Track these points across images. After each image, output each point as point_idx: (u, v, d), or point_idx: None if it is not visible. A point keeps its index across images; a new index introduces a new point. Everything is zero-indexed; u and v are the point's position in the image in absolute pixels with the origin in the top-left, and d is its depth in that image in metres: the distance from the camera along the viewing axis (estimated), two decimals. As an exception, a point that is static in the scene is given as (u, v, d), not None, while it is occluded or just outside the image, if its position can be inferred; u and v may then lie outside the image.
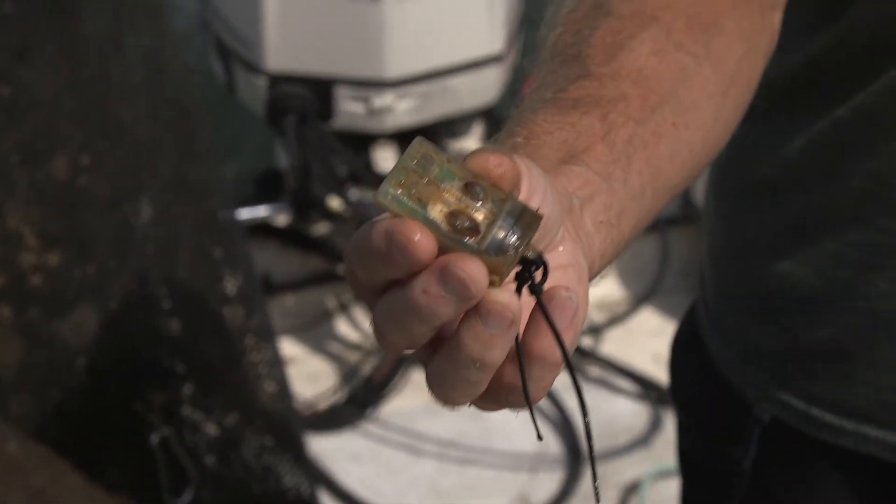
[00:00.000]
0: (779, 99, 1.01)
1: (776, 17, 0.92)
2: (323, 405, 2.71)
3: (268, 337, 2.11)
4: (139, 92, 1.89)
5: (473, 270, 0.55)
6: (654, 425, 2.70)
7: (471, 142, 3.00)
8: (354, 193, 2.82)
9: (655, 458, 2.59)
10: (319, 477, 2.46)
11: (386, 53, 2.71)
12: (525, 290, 0.60)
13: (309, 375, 2.77)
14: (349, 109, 2.79)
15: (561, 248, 0.66)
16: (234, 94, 2.92)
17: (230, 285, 2.06)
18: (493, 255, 0.56)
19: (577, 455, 2.60)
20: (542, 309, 0.59)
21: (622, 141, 0.75)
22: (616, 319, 3.05)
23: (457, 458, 2.56)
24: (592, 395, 2.80)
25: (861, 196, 0.98)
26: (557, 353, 0.59)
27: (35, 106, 1.73)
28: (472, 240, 0.56)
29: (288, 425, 2.15)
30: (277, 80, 2.73)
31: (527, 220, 0.58)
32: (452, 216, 0.56)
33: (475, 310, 0.56)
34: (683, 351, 1.25)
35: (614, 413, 2.74)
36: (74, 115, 1.78)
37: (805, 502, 1.12)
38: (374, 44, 2.70)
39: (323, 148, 2.76)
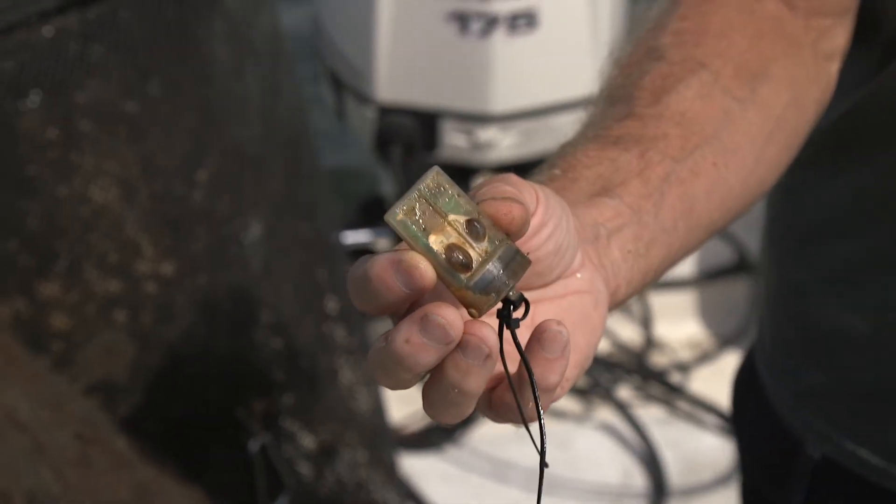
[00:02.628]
0: (825, 147, 1.03)
1: (832, 68, 0.96)
2: (414, 426, 2.77)
3: (365, 356, 2.17)
4: (255, 114, 1.97)
5: (451, 316, 0.61)
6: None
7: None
8: (455, 223, 2.88)
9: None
10: (409, 494, 2.51)
11: (492, 89, 2.77)
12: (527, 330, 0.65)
13: (402, 397, 2.82)
14: (454, 142, 2.86)
15: (579, 275, 0.73)
16: (343, 120, 3.01)
17: (332, 304, 2.13)
18: (477, 293, 0.62)
19: (661, 489, 2.63)
20: (515, 342, 0.64)
21: (657, 177, 0.80)
22: (705, 358, 3.08)
23: (547, 485, 2.60)
24: (680, 429, 2.82)
25: None
26: (548, 381, 0.65)
27: (158, 122, 1.82)
28: (463, 275, 0.62)
29: (381, 442, 2.21)
30: (386, 111, 2.81)
31: (515, 265, 0.63)
32: (450, 249, 0.62)
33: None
34: (743, 391, 1.29)
35: (700, 449, 2.77)
36: (194, 134, 1.86)
37: None
38: (481, 79, 2.76)
39: (426, 178, 2.82)
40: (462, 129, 2.82)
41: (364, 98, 2.85)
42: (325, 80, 3.00)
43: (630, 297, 0.80)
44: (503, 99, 2.80)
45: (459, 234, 0.62)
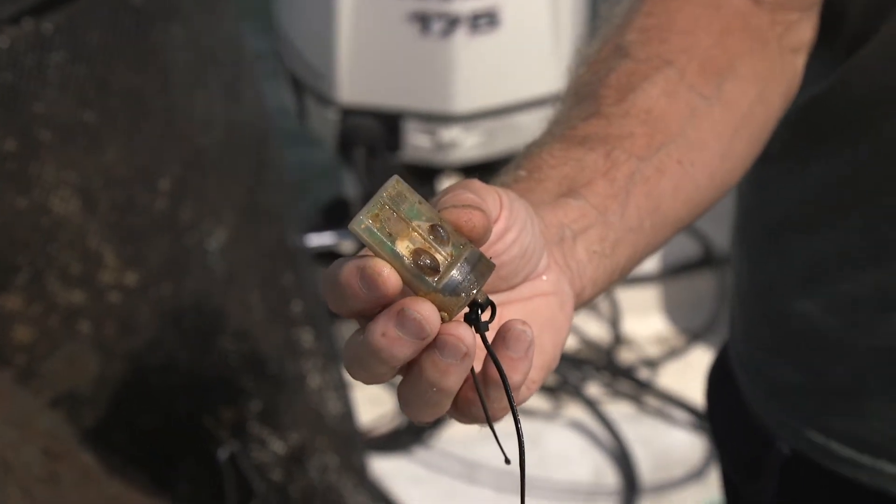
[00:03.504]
0: (791, 140, 1.03)
1: (798, 61, 0.96)
2: (383, 428, 2.76)
3: (333, 359, 2.17)
4: (217, 121, 1.96)
5: (427, 312, 0.61)
6: (710, 458, 2.72)
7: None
8: (420, 224, 2.88)
9: (711, 489, 2.61)
10: (381, 497, 2.51)
11: (454, 89, 2.77)
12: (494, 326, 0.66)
13: (371, 399, 2.83)
14: (417, 143, 2.85)
15: (545, 278, 0.73)
16: (304, 123, 2.99)
17: (298, 309, 2.12)
18: (447, 296, 0.63)
19: (633, 486, 2.63)
20: (485, 345, 0.65)
21: (623, 176, 0.80)
22: (673, 353, 3.08)
23: (513, 485, 2.60)
24: (649, 426, 2.83)
25: (874, 238, 1.00)
26: (512, 380, 0.65)
27: (118, 132, 1.80)
28: (431, 279, 0.62)
29: (352, 445, 2.20)
30: (348, 113, 2.81)
31: (482, 267, 0.64)
32: (417, 253, 0.62)
33: (434, 341, 0.62)
34: (716, 386, 1.29)
35: (670, 445, 2.77)
36: (155, 142, 1.85)
37: None
38: (444, 79, 2.76)
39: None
40: (425, 129, 2.81)
41: (326, 100, 2.84)
42: (285, 83, 2.99)
43: (596, 297, 0.80)
44: (466, 98, 2.80)
45: (424, 239, 0.62)
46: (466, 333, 0.62)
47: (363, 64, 2.77)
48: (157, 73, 1.83)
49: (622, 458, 2.70)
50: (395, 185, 0.63)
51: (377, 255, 0.62)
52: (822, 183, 1.03)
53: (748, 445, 1.19)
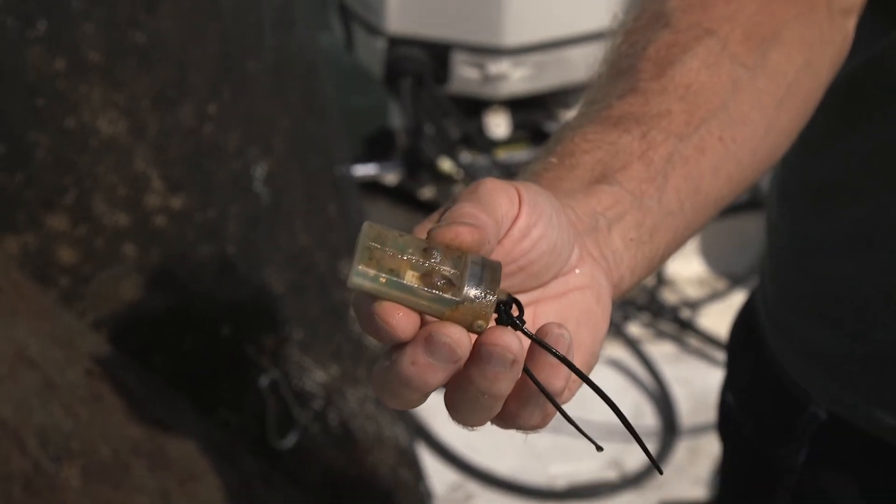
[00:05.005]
0: (841, 103, 0.99)
1: (849, 24, 0.91)
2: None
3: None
4: (266, 47, 1.94)
5: (456, 334, 0.59)
6: (750, 401, 2.70)
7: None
8: (465, 156, 2.86)
9: (749, 433, 2.60)
10: (418, 430, 2.51)
11: (504, 21, 2.74)
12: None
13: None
14: (465, 75, 2.83)
15: (578, 271, 0.69)
16: (352, 53, 2.97)
17: (342, 239, 2.11)
18: (475, 303, 0.60)
19: (672, 426, 2.62)
20: (532, 338, 0.62)
21: (660, 158, 0.76)
22: (716, 295, 3.06)
23: (552, 423, 2.59)
24: (690, 366, 2.82)
25: None
26: (554, 386, 0.63)
27: (167, 54, 1.79)
28: (450, 294, 0.60)
29: (391, 377, 2.20)
30: (396, 43, 2.78)
31: (490, 268, 0.61)
32: (426, 277, 0.60)
33: (479, 354, 0.60)
34: (741, 347, 1.24)
35: (710, 386, 2.75)
36: (205, 66, 1.84)
37: (857, 501, 1.11)
38: (493, 11, 2.73)
39: (437, 111, 2.80)
40: (473, 61, 2.79)
41: (374, 29, 2.81)
42: (334, 12, 2.97)
43: (636, 286, 0.76)
44: (515, 31, 2.77)
45: (424, 264, 0.60)
46: (511, 339, 0.60)
47: (413, -7, 2.74)
48: (209, -4, 1.82)
49: (662, 399, 2.69)
50: (369, 229, 0.61)
51: (388, 298, 0.60)
52: (871, 150, 0.99)
53: (777, 409, 1.15)
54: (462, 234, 0.61)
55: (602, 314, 0.70)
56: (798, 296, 1.11)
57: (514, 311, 0.63)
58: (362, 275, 0.60)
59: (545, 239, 0.65)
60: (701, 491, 2.47)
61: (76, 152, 1.74)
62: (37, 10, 1.65)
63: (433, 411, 2.63)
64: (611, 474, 2.50)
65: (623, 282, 0.74)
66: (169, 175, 1.83)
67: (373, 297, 0.60)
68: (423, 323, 0.61)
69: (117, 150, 1.78)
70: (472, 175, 2.75)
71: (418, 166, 2.85)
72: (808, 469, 1.13)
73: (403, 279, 0.60)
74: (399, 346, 0.61)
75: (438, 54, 2.77)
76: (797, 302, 1.12)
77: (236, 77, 1.89)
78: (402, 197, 3.00)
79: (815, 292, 1.09)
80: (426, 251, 0.61)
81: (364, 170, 2.95)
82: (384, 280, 0.59)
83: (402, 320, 0.59)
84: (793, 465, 1.13)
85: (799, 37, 0.86)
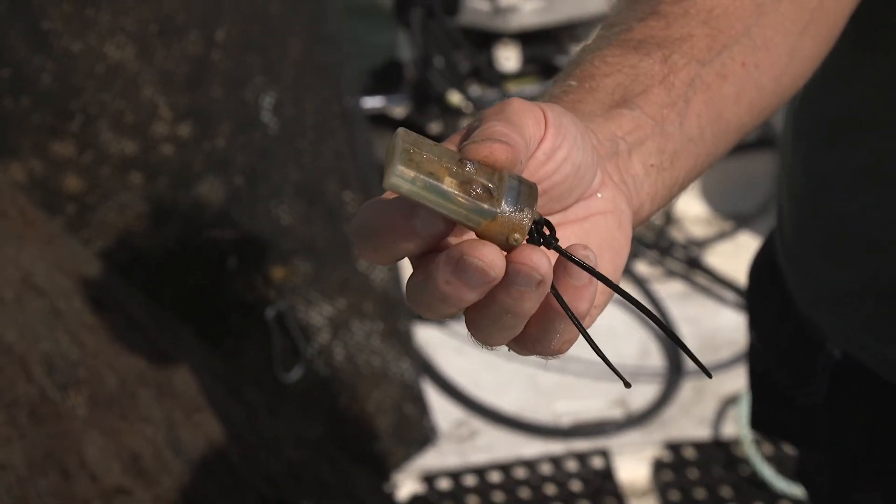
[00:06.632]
0: (857, 35, 0.95)
1: None
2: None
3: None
4: (276, -28, 1.91)
5: (489, 256, 0.56)
6: (757, 341, 2.69)
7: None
8: (475, 90, 2.83)
9: (756, 373, 2.59)
10: (424, 365, 2.50)
11: (516, -49, 2.71)
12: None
13: (418, 268, 2.81)
14: (475, 6, 2.79)
15: (600, 195, 0.67)
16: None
17: (351, 170, 2.08)
18: (514, 214, 0.58)
19: (678, 366, 2.61)
20: (566, 255, 0.60)
21: (682, 83, 0.74)
22: (724, 234, 3.05)
23: (557, 361, 2.58)
24: (698, 305, 2.80)
25: None
26: (578, 308, 0.60)
27: (176, -21, 1.76)
28: (488, 204, 0.57)
29: (397, 313, 2.19)
30: (407, -28, 2.75)
31: (525, 186, 0.59)
32: (464, 185, 0.57)
33: (507, 272, 0.58)
34: (763, 282, 1.23)
35: (718, 326, 2.74)
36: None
37: (873, 440, 1.11)
38: (506, -59, 2.70)
39: (447, 43, 2.77)
40: (484, -7, 2.76)
41: (384, -41, 2.78)
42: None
43: (655, 213, 0.74)
44: (527, -38, 2.73)
45: (462, 172, 0.58)
46: (541, 259, 0.58)
47: (424, -79, 2.70)
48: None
49: (669, 341, 2.68)
50: (405, 135, 0.58)
51: (425, 202, 0.57)
52: (886, 80, 0.96)
53: (797, 347, 1.14)
54: (497, 152, 0.59)
55: (623, 240, 0.68)
56: (814, 235, 1.10)
57: (545, 232, 0.61)
58: (401, 176, 0.56)
59: (569, 161, 0.64)
60: (705, 430, 2.46)
61: (82, 78, 1.72)
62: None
63: (438, 348, 2.62)
64: (616, 413, 2.49)
65: (643, 209, 0.72)
66: (176, 103, 1.81)
67: (407, 202, 0.57)
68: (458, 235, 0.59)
69: (124, 76, 1.75)
70: (481, 109, 2.72)
71: (427, 99, 2.82)
72: (827, 408, 1.12)
73: (443, 184, 0.57)
74: (430, 258, 0.59)
75: (449, -16, 2.74)
76: (811, 239, 1.10)
77: (245, 4, 1.86)
78: (411, 129, 2.97)
79: (829, 230, 1.07)
80: (461, 161, 0.58)
81: (372, 102, 2.92)
82: (422, 183, 0.57)
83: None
84: (812, 404, 1.13)
85: None
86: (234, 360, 1.93)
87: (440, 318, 0.62)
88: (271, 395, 1.97)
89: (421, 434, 2.29)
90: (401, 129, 0.58)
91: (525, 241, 0.59)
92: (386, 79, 2.98)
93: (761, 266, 1.23)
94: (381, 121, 2.97)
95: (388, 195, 0.60)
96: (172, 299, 1.86)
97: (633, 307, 0.64)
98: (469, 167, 0.58)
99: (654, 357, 2.65)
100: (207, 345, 1.87)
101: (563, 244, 0.61)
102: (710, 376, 0.68)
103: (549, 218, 0.62)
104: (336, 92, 2.08)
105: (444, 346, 2.63)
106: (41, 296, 1.48)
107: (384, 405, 2.20)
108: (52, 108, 1.72)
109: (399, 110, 2.95)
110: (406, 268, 2.45)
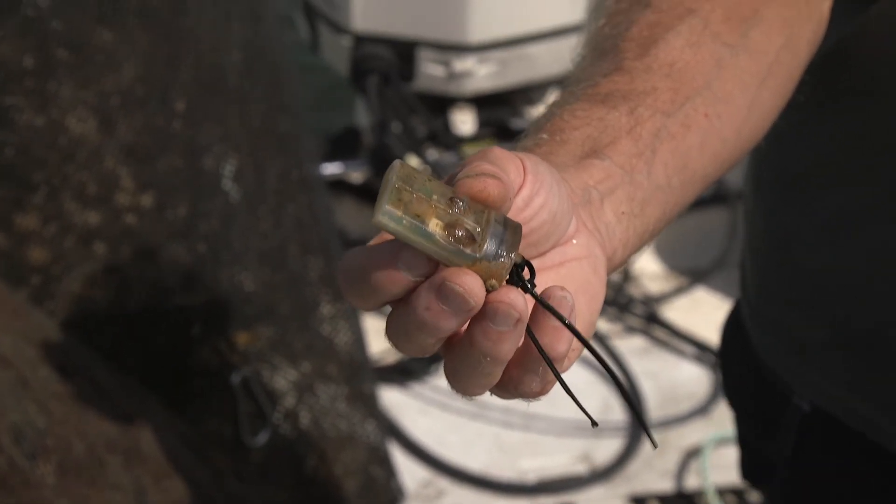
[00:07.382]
0: (814, 90, 0.97)
1: (824, 6, 0.91)
2: (393, 358, 2.76)
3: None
4: (234, 44, 1.94)
5: (469, 283, 0.59)
6: (716, 393, 2.73)
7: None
8: (432, 153, 2.87)
9: (717, 424, 2.62)
10: (389, 427, 2.51)
11: (469, 18, 2.75)
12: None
13: (379, 330, 2.82)
14: (430, 72, 2.84)
15: (575, 241, 0.70)
16: (317, 52, 2.98)
17: (312, 236, 2.11)
18: (492, 262, 0.60)
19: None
20: (542, 302, 0.62)
21: (648, 134, 0.77)
22: (681, 290, 3.09)
23: (521, 419, 2.61)
24: (658, 359, 2.84)
25: None
26: (557, 350, 0.63)
27: (135, 52, 1.78)
28: (469, 249, 0.60)
29: (362, 375, 2.20)
30: (362, 41, 2.79)
31: (511, 228, 0.62)
32: (449, 227, 0.60)
33: (483, 310, 0.60)
34: (729, 340, 1.25)
35: (678, 380, 2.78)
36: (172, 63, 1.83)
37: (841, 494, 1.11)
38: (458, 8, 2.74)
39: (403, 108, 2.81)
40: (439, 58, 2.80)
41: (339, 28, 2.82)
42: (299, 11, 2.97)
43: (627, 259, 0.77)
44: (480, 28, 2.78)
45: (449, 213, 0.60)
46: (517, 298, 0.60)
47: (378, -9, 2.75)
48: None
49: (630, 393, 2.70)
50: (401, 168, 0.60)
51: (410, 242, 0.60)
52: (845, 135, 1.00)
53: (764, 403, 1.16)
54: (490, 186, 0.61)
55: (599, 285, 0.71)
56: (777, 286, 1.12)
57: (525, 274, 0.63)
58: (388, 214, 0.59)
59: (546, 208, 0.66)
60: (669, 483, 2.48)
61: (45, 150, 1.74)
62: (3, 8, 1.65)
63: (403, 409, 2.63)
64: (580, 468, 2.52)
65: (616, 255, 0.74)
66: (138, 173, 1.83)
67: (391, 247, 0.60)
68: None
69: (87, 148, 1.77)
70: (437, 172, 2.75)
71: (385, 164, 2.85)
72: (795, 461, 1.13)
73: (427, 226, 0.59)
74: (410, 292, 0.61)
75: (404, 52, 2.78)
76: (776, 293, 1.12)
77: (204, 74, 1.89)
78: (369, 195, 3.00)
79: (793, 282, 1.09)
80: (452, 200, 0.61)
81: (330, 168, 2.95)
82: (408, 223, 0.59)
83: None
84: (782, 458, 1.14)
85: (778, 15, 0.87)
86: (201, 425, 1.94)
87: (416, 352, 0.64)
88: (239, 460, 1.97)
89: (388, 495, 2.30)
90: (396, 162, 0.61)
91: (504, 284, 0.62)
92: (343, 145, 3.02)
93: (730, 328, 1.25)
94: (340, 186, 3.00)
95: (375, 241, 0.62)
96: (138, 366, 1.87)
97: (597, 362, 0.66)
98: (459, 205, 0.60)
99: (616, 412, 2.67)
100: (174, 410, 1.88)
101: (540, 289, 0.63)
102: (655, 446, 0.71)
103: None
104: (296, 159, 2.11)
105: (409, 407, 2.65)
106: (8, 367, 1.49)
107: (351, 468, 2.20)
108: (16, 181, 1.73)
109: (357, 176, 2.98)
110: (371, 332, 2.47)
